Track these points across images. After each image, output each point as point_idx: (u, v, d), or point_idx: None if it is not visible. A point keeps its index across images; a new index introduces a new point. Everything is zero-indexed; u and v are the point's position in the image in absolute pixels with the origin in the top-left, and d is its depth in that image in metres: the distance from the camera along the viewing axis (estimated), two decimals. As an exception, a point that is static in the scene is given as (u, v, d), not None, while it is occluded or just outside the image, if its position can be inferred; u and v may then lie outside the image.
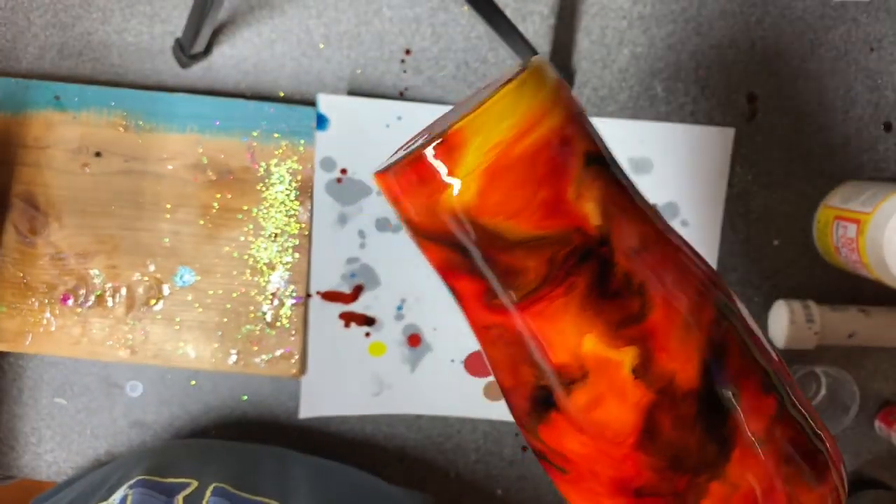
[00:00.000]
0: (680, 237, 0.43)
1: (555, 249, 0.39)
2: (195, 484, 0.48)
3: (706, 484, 0.40)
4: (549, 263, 0.39)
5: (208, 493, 0.47)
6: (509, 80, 0.39)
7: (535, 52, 0.56)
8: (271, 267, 0.60)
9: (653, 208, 0.43)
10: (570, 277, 0.40)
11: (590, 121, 0.43)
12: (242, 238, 0.60)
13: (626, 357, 0.40)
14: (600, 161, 0.41)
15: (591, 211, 0.40)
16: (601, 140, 0.42)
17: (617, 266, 0.40)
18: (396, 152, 0.45)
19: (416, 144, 0.42)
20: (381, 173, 0.40)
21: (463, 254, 0.40)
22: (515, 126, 0.39)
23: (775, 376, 0.42)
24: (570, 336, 0.40)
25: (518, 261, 0.40)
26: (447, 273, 0.42)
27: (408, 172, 0.39)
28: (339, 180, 0.60)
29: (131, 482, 0.47)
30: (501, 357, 0.42)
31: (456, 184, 0.38)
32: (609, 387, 0.40)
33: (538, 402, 0.41)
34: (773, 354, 0.43)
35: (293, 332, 0.60)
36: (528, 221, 0.39)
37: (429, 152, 0.38)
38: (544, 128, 0.40)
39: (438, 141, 0.38)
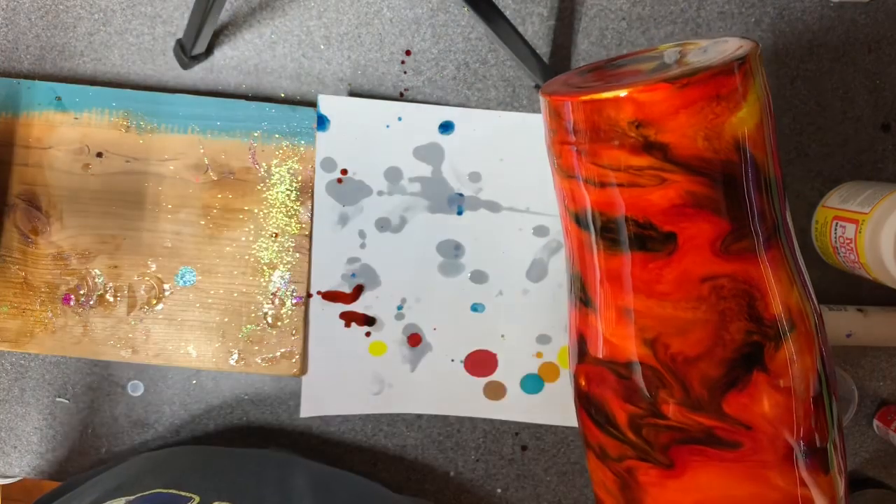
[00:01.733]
0: None
1: (776, 200, 0.41)
2: (198, 499, 0.48)
3: (838, 436, 0.42)
4: (774, 213, 0.40)
5: None
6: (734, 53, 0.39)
7: (534, 53, 0.56)
8: (272, 267, 0.60)
9: None
10: (779, 232, 0.41)
11: None
12: (243, 238, 0.60)
13: (810, 312, 0.42)
14: None
15: None
16: None
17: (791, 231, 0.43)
18: (581, 83, 0.43)
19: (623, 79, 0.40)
20: (660, 85, 0.37)
21: (723, 187, 0.38)
22: (765, 78, 0.40)
23: None
24: (786, 285, 0.40)
25: (765, 202, 0.40)
26: (685, 213, 0.39)
27: (709, 85, 0.37)
28: (339, 181, 0.60)
29: (131, 499, 0.47)
30: (710, 315, 0.40)
31: (746, 109, 0.38)
32: (805, 339, 0.41)
33: (740, 363, 0.40)
34: None
35: (294, 332, 0.60)
36: (775, 164, 0.40)
37: (733, 67, 0.37)
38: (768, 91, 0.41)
39: (741, 61, 0.37)
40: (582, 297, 0.43)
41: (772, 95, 0.59)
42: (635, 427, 0.42)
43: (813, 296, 0.43)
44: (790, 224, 0.42)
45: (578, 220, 0.42)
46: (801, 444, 0.40)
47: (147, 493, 0.48)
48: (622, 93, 0.37)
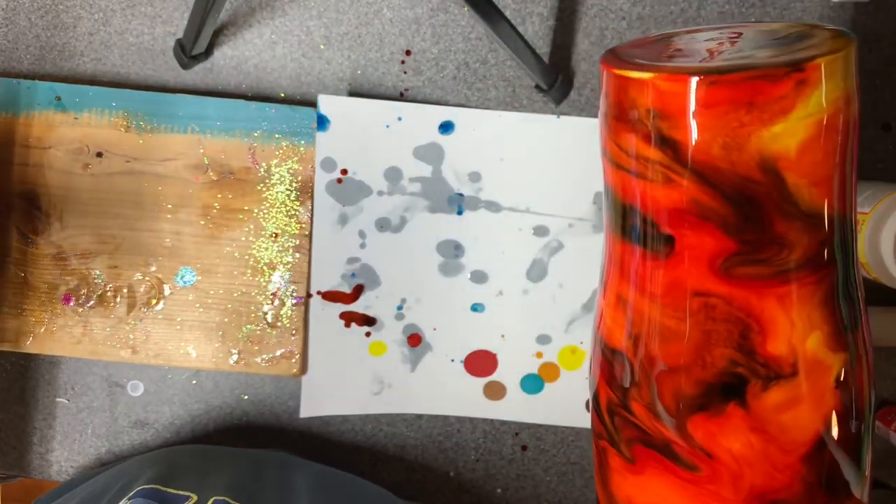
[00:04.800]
0: None
1: (830, 234, 0.35)
2: (195, 498, 0.48)
3: None
4: (819, 246, 0.35)
5: None
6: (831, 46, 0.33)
7: (534, 53, 0.56)
8: (272, 267, 0.60)
9: None
10: (829, 267, 0.35)
11: None
12: (243, 238, 0.60)
13: (837, 364, 0.36)
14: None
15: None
16: None
17: (856, 270, 0.37)
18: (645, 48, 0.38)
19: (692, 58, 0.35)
20: (684, 76, 0.33)
21: (735, 205, 0.34)
22: (850, 89, 0.34)
23: None
24: (800, 329, 0.35)
25: (794, 233, 0.34)
26: (687, 220, 0.35)
27: (740, 88, 0.32)
28: (339, 181, 0.60)
29: (130, 494, 0.47)
30: (693, 332, 0.36)
31: (785, 124, 0.32)
32: (810, 391, 0.36)
33: (717, 390, 0.36)
34: None
35: (294, 332, 0.60)
36: (827, 194, 0.34)
37: (780, 74, 0.32)
38: (855, 104, 0.35)
39: (795, 67, 0.32)
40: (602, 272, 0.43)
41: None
42: (610, 412, 0.40)
43: (858, 349, 0.37)
44: (853, 267, 0.37)
45: (605, 193, 0.40)
46: (770, 498, 0.36)
47: (145, 486, 0.48)
48: (647, 75, 0.34)
